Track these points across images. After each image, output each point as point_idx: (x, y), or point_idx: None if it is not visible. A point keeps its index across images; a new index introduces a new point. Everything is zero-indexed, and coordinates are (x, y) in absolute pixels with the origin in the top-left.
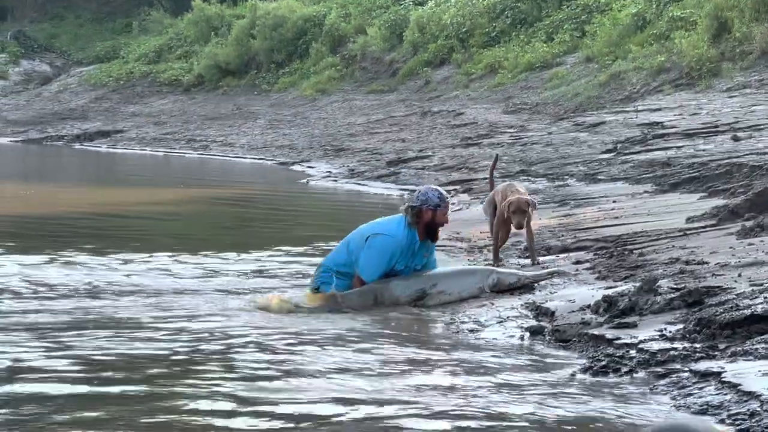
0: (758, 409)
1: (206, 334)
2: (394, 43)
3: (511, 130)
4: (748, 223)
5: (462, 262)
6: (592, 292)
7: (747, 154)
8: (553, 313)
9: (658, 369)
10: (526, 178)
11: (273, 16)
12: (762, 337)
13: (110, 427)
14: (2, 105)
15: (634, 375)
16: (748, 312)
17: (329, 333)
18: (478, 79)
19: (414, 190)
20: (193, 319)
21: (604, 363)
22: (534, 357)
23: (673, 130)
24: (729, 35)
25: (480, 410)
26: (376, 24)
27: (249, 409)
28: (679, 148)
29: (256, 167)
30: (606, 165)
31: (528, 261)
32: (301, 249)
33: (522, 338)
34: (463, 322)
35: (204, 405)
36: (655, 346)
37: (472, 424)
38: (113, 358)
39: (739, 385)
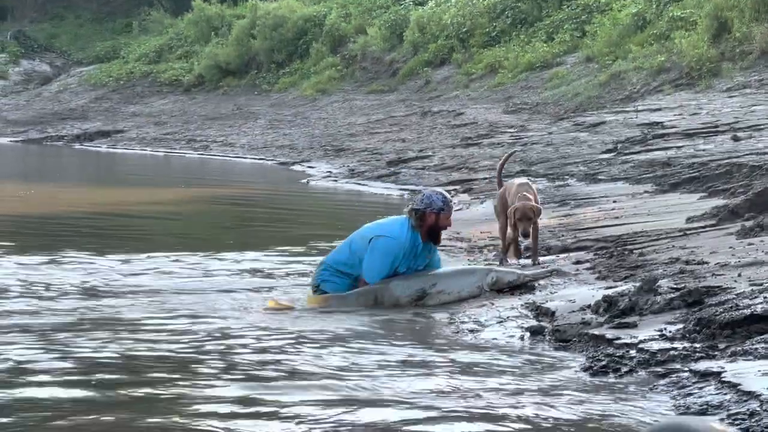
0: (758, 408)
1: (206, 335)
2: (395, 43)
3: (512, 130)
4: (748, 223)
5: (462, 262)
6: (592, 292)
7: (747, 154)
8: (553, 313)
9: (658, 369)
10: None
11: (273, 16)
12: (762, 336)
13: (110, 428)
14: (2, 105)
15: (634, 375)
16: (747, 312)
17: (329, 334)
18: (478, 79)
19: (418, 193)
20: (193, 319)
21: (604, 363)
22: (534, 357)
23: (673, 130)
24: (729, 35)
25: (480, 410)
26: (377, 24)
27: (249, 410)
28: (679, 148)
29: (257, 167)
30: (606, 165)
31: (528, 261)
32: (301, 249)
33: (522, 338)
34: (463, 322)
35: (204, 406)
36: (655, 345)
37: (472, 424)
38: (113, 358)
39: (739, 384)
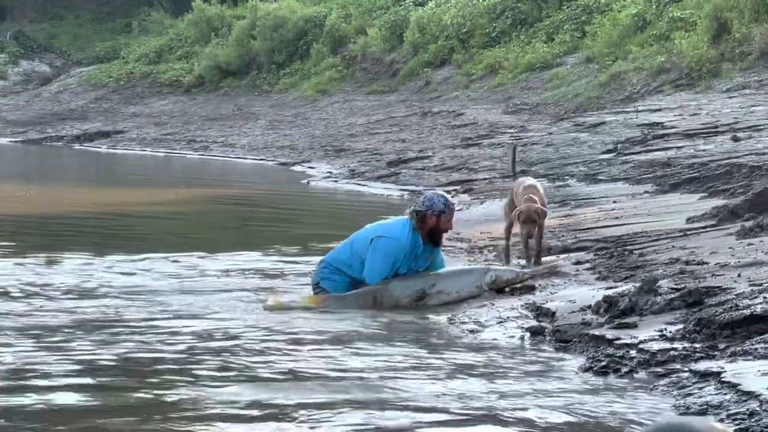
0: (757, 408)
1: (207, 335)
2: (395, 44)
3: (512, 131)
4: (748, 224)
5: (461, 263)
6: (592, 292)
7: (747, 155)
8: (553, 313)
9: (658, 369)
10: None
11: (273, 16)
12: (761, 337)
13: (109, 429)
14: (2, 105)
15: (635, 375)
16: (747, 312)
17: (329, 334)
18: (478, 80)
19: (420, 194)
20: (194, 319)
21: (604, 363)
22: (534, 357)
23: (673, 131)
24: (728, 36)
25: (479, 411)
26: (377, 24)
27: (249, 410)
28: (679, 148)
29: (257, 168)
30: (606, 165)
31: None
32: (301, 249)
33: (522, 339)
34: (463, 323)
35: (204, 406)
36: (655, 346)
37: (472, 424)
38: (113, 358)
39: (739, 384)
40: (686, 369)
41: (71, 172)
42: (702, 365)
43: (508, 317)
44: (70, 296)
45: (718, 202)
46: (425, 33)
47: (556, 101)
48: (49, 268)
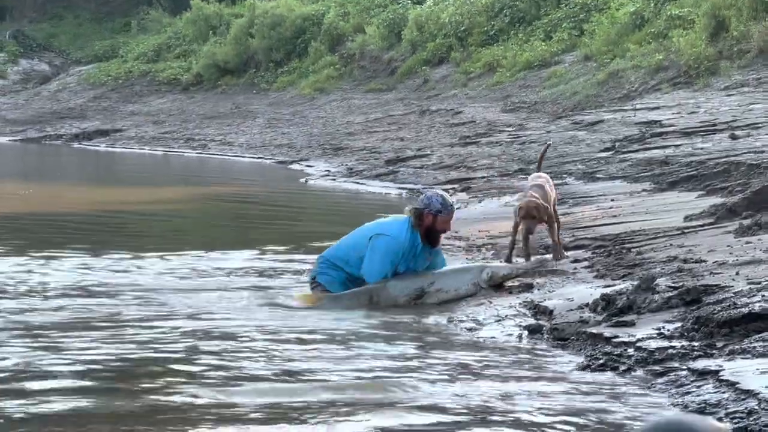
0: (756, 407)
1: (205, 334)
2: (393, 42)
3: (510, 129)
4: (746, 222)
5: (460, 261)
6: (590, 290)
7: (745, 153)
8: (551, 311)
9: (656, 367)
10: (524, 176)
11: (271, 15)
12: (759, 335)
13: (108, 429)
14: (1, 104)
15: (632, 373)
16: (745, 310)
17: (327, 334)
18: (476, 78)
19: (421, 193)
20: (192, 318)
21: (602, 361)
22: (532, 355)
23: (671, 129)
24: (727, 34)
25: (477, 409)
26: (375, 23)
27: (249, 411)
28: (677, 146)
29: (255, 166)
30: (604, 163)
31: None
32: (299, 247)
33: (520, 337)
34: (461, 321)
35: (204, 408)
36: (653, 344)
37: (470, 422)
38: (111, 357)
39: (737, 383)
40: (684, 367)
41: (70, 171)
42: (700, 363)
43: (506, 315)
44: (68, 295)
45: (716, 200)
46: (423, 31)
47: (554, 99)
48: (47, 267)
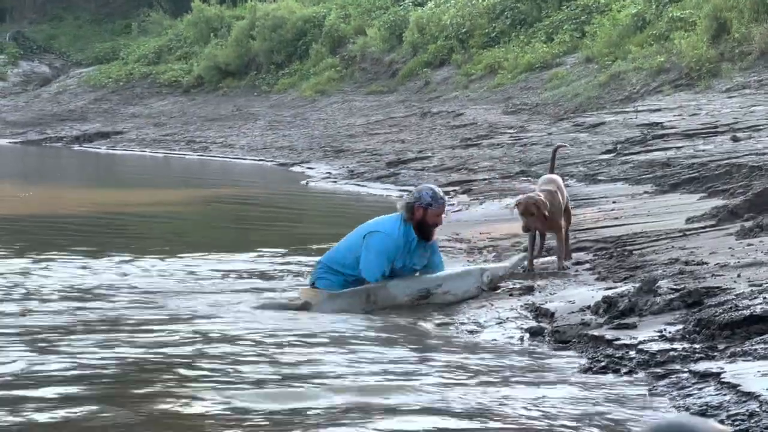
0: (757, 409)
1: (205, 336)
2: (394, 44)
3: (511, 131)
4: (748, 224)
5: (460, 263)
6: (591, 293)
7: (746, 155)
8: (552, 314)
9: (658, 370)
10: (526, 178)
11: (272, 17)
12: (761, 337)
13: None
14: (1, 106)
15: (634, 376)
16: (747, 312)
17: (327, 336)
18: (477, 80)
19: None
20: (193, 321)
21: (603, 364)
22: (533, 358)
23: (672, 131)
24: (728, 36)
25: (478, 411)
26: (376, 25)
27: (249, 413)
28: (678, 148)
29: (256, 168)
30: (606, 165)
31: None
32: (300, 250)
33: (521, 339)
34: (462, 323)
35: (204, 407)
36: (655, 346)
37: (471, 424)
38: (111, 359)
39: (739, 385)
40: (686, 369)
41: (70, 173)
42: (701, 366)
43: (507, 318)
44: (68, 297)
45: (717, 202)
46: (424, 33)
47: (556, 101)
48: (47, 269)
